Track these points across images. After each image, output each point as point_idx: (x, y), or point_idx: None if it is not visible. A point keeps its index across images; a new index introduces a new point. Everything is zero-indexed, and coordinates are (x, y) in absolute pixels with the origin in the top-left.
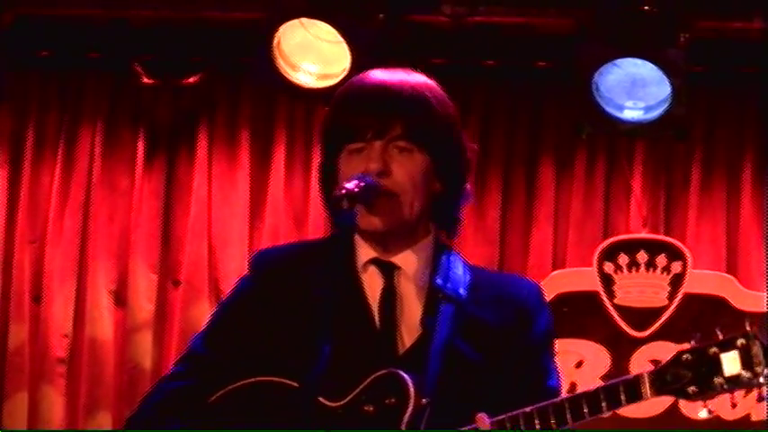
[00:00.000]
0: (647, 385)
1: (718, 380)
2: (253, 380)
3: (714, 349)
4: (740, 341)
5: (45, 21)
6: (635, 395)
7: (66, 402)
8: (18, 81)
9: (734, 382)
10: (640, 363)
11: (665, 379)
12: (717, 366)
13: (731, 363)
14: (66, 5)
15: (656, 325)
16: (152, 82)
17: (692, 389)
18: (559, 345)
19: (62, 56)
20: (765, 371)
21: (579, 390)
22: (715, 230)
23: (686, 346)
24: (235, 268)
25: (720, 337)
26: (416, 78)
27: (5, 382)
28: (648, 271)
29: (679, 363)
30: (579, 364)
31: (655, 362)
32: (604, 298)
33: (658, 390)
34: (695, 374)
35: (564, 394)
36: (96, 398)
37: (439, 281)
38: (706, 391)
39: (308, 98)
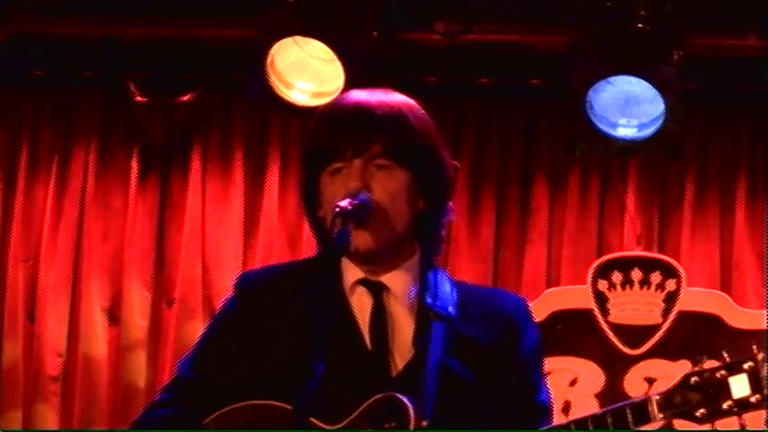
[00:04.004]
0: (656, 407)
1: (727, 403)
2: (245, 403)
3: (722, 372)
4: (748, 364)
5: (38, 39)
6: (643, 418)
7: (60, 420)
8: (11, 99)
9: (743, 405)
10: (635, 381)
11: (674, 401)
12: (725, 389)
13: (740, 386)
14: (60, 24)
15: (651, 343)
16: (145, 100)
17: (700, 412)
18: (553, 363)
19: (56, 74)
20: None
21: (574, 408)
22: (709, 248)
23: (688, 366)
24: (229, 287)
25: (728, 359)
26: (394, 97)
27: None
28: (642, 289)
29: (687, 385)
30: (573, 382)
31: (649, 380)
32: (598, 316)
33: (666, 412)
34: (704, 397)
35: (557, 413)
36: (90, 416)
37: (429, 300)
38: (715, 415)
39: (302, 116)
